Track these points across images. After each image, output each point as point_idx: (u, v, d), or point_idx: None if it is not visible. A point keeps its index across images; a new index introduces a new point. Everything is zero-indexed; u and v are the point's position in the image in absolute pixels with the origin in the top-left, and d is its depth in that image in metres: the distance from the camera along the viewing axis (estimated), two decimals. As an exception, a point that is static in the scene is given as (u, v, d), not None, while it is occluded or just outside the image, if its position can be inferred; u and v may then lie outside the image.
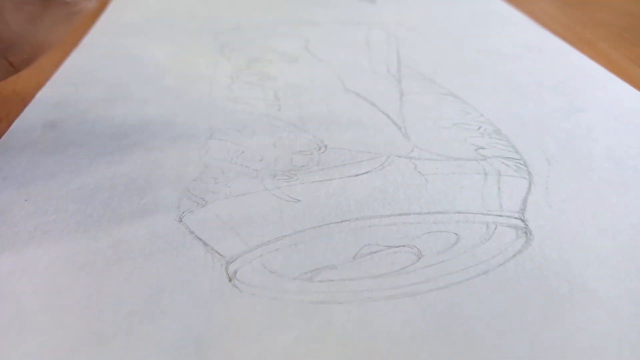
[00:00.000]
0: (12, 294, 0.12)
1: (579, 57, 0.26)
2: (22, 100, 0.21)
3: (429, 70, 0.25)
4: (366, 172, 0.17)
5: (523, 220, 0.15)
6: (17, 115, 0.20)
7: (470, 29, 0.30)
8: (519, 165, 0.18)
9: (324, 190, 0.16)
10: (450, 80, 0.24)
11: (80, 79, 0.23)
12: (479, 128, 0.20)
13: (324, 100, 0.22)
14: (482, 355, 0.11)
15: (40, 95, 0.22)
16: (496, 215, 0.15)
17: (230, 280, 0.13)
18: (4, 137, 0.19)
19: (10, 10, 0.18)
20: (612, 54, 0.27)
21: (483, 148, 0.18)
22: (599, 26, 0.31)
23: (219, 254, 0.14)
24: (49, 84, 0.23)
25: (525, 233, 0.15)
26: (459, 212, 0.15)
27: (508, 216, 0.15)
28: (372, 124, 0.20)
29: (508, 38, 0.28)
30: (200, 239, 0.14)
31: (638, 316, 0.12)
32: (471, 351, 0.11)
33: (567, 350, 0.11)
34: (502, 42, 0.28)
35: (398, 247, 0.14)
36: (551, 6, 0.34)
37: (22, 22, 0.18)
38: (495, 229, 0.15)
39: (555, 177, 0.17)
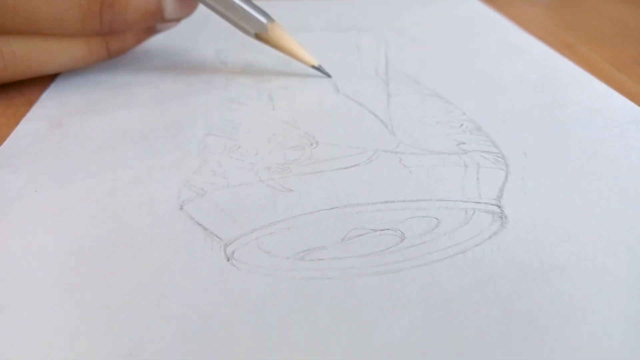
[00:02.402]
0: (26, 273, 0.14)
1: (559, 58, 0.27)
2: (28, 100, 0.23)
3: (415, 72, 0.26)
4: (354, 165, 0.18)
5: (499, 207, 0.16)
6: (23, 114, 0.21)
7: (455, 32, 0.31)
8: (497, 158, 0.19)
9: (315, 181, 0.17)
10: (435, 82, 0.25)
11: (83, 81, 0.24)
12: (461, 125, 0.21)
13: (315, 100, 0.23)
14: (458, 322, 0.12)
15: (46, 95, 0.23)
16: (474, 202, 0.16)
17: (228, 260, 0.14)
18: (12, 134, 0.20)
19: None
20: (591, 56, 0.28)
21: (464, 143, 0.20)
22: (579, 29, 0.32)
23: (217, 237, 0.15)
24: (53, 85, 0.24)
25: (501, 217, 0.16)
26: (440, 200, 0.17)
27: (485, 203, 0.16)
28: (360, 122, 0.21)
29: (491, 41, 0.30)
30: (200, 225, 0.15)
31: (602, 287, 0.13)
32: (448, 318, 0.12)
33: (536, 317, 0.12)
34: (485, 44, 0.29)
35: (383, 230, 0.15)
36: (534, 10, 0.36)
37: (139, 13, 0.20)
38: (473, 214, 0.16)
39: (531, 168, 0.18)
